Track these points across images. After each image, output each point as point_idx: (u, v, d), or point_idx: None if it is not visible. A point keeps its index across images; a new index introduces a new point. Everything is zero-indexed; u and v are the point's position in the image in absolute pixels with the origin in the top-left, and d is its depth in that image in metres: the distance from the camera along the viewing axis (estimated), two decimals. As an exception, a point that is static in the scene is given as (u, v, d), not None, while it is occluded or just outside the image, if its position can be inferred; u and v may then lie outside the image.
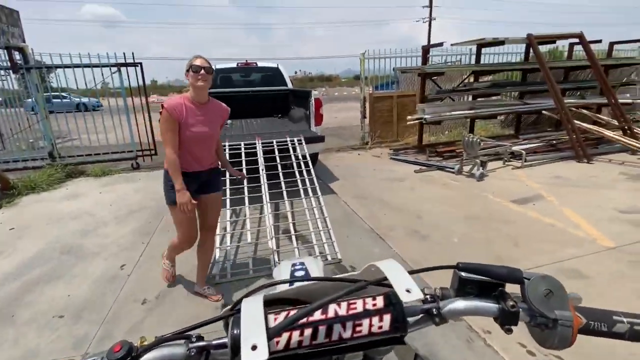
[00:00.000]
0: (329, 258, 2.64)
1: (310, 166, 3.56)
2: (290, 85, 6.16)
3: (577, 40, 6.47)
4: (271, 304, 0.52)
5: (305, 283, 0.55)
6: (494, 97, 7.05)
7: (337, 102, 18.96)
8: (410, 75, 7.75)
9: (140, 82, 5.80)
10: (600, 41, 7.28)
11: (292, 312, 0.45)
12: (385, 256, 2.76)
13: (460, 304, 0.51)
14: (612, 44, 7.69)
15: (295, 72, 53.66)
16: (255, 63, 6.36)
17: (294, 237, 2.63)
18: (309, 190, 3.20)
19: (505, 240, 2.95)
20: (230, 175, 2.96)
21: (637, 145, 5.14)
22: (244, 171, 3.30)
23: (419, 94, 6.42)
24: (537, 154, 5.39)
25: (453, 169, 4.88)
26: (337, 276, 0.58)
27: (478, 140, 4.70)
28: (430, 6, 30.30)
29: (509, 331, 0.51)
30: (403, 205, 3.80)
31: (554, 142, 5.78)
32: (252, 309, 0.45)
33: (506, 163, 5.20)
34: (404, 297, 0.45)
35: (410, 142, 6.94)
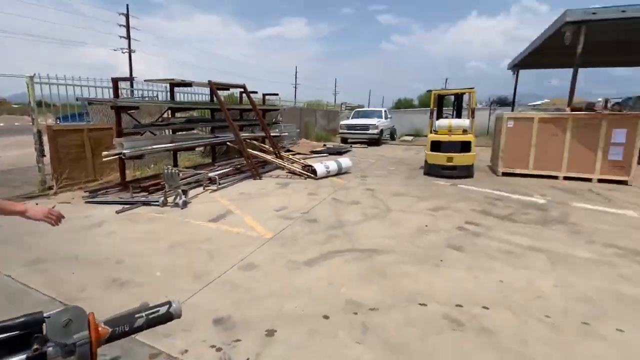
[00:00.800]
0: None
1: None
2: None
3: (242, 89, 8.30)
4: None
5: None
6: (194, 131, 7.60)
7: (6, 136, 13.27)
8: (105, 107, 6.75)
9: None
10: (257, 92, 9.77)
11: None
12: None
13: None
14: (264, 95, 10.53)
15: None
16: None
17: None
18: None
19: (203, 258, 3.23)
20: None
21: (282, 164, 7.37)
22: None
23: (116, 128, 5.73)
24: (228, 177, 6.39)
25: (157, 202, 4.75)
26: None
27: (177, 171, 4.88)
28: (129, 38, 28.01)
29: None
30: (99, 255, 3.23)
31: (239, 166, 7.12)
32: None
33: (205, 188, 5.75)
34: None
35: (112, 179, 6.03)
